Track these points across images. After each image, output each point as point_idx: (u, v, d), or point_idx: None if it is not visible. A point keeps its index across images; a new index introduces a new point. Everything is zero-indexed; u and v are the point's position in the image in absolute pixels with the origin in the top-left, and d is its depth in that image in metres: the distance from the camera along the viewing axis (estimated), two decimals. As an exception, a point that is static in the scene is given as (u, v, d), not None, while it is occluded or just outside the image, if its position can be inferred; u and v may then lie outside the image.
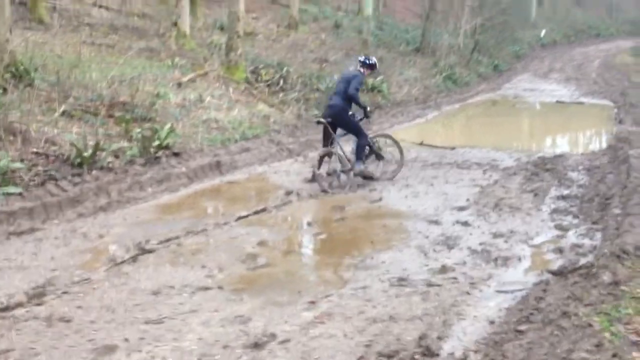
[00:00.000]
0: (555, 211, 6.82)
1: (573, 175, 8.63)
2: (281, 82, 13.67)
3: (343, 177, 8.32)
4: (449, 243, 5.78)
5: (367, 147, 8.55)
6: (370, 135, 8.84)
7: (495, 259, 5.33)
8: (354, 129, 8.45)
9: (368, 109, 8.65)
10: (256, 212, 6.84)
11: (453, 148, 11.03)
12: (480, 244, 5.75)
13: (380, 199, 7.50)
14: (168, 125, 8.90)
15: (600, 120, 15.75)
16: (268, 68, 14.35)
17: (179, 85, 12.15)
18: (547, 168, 8.93)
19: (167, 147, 8.56)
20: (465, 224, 6.42)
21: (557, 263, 5.19)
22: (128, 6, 19.80)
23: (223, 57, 14.06)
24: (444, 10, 26.66)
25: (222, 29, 18.51)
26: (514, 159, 10.20)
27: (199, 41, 17.02)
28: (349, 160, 8.36)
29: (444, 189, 8.00)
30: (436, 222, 6.49)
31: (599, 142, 11.94)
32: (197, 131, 9.83)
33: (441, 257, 5.45)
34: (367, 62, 8.62)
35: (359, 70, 8.54)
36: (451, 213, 6.87)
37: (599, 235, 5.88)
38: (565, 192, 7.67)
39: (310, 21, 25.32)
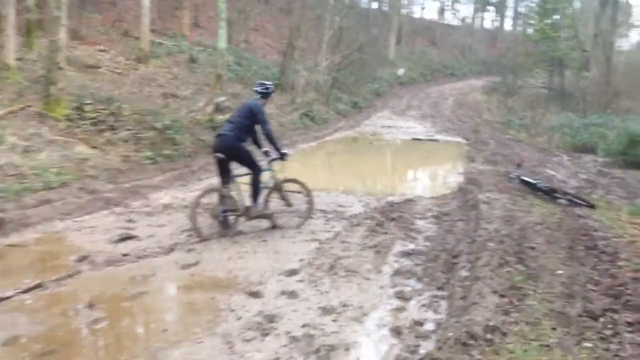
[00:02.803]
0: (397, 273, 5.83)
1: (420, 224, 7.81)
2: (110, 119, 12.00)
3: (231, 221, 7.32)
4: (265, 327, 4.55)
5: (277, 192, 7.72)
6: (281, 179, 7.76)
7: (317, 350, 4.16)
8: (249, 162, 7.27)
9: (283, 151, 7.54)
10: (25, 291, 5.24)
11: (299, 192, 9.96)
12: (304, 325, 4.57)
13: (197, 263, 6.16)
14: None
15: (453, 158, 15.54)
16: (97, 104, 12.64)
17: (-19, 124, 10.23)
18: (393, 217, 8.05)
19: None
20: (292, 294, 5.24)
21: (392, 353, 4.11)
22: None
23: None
24: (303, 47, 26.23)
25: (61, 60, 16.48)
26: (362, 203, 9.33)
27: (29, 74, 14.98)
28: (243, 205, 7.36)
29: (278, 246, 6.83)
30: (257, 294, 5.26)
31: (450, 184, 11.40)
32: (-17, 181, 8.02)
33: (250, 349, 4.20)
34: (267, 89, 7.47)
35: (259, 100, 7.37)
36: (278, 279, 5.68)
37: (444, 305, 4.93)
38: (411, 246, 6.76)
39: (163, 55, 23.78)
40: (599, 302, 4.78)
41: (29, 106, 11.79)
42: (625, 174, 12.54)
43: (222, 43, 21.05)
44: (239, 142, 7.15)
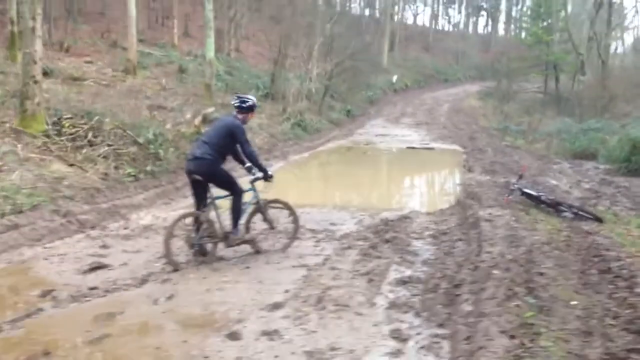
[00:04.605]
0: (393, 306, 5.24)
1: (417, 245, 7.23)
2: (89, 134, 11.41)
3: (209, 248, 6.71)
4: (241, 379, 3.96)
5: (260, 213, 7.10)
6: (263, 200, 7.13)
7: (300, 411, 3.58)
8: (229, 185, 6.68)
9: (269, 172, 6.94)
10: (-25, 336, 4.65)
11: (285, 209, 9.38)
12: (286, 377, 3.99)
13: (171, 297, 5.57)
14: None
15: (450, 167, 15.03)
16: (77, 118, 12.06)
17: (-49, 142, 9.64)
18: (387, 238, 7.47)
19: None
20: (274, 335, 4.65)
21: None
22: None
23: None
24: (294, 55, 25.74)
25: (46, 73, 15.91)
26: (355, 220, 8.78)
27: (10, 88, 14.39)
28: (222, 230, 6.77)
29: (261, 274, 6.24)
30: (235, 336, 4.66)
31: (448, 197, 10.85)
32: (-55, 206, 7.42)
33: (222, 410, 3.62)
34: (244, 105, 6.76)
35: (236, 117, 6.72)
36: (260, 315, 5.09)
37: (446, 347, 4.34)
38: (407, 272, 6.17)
39: (152, 65, 23.26)
40: (621, 341, 4.21)
41: (3, 122, 11.21)
42: (630, 182, 12.02)
43: (210, 52, 20.60)
44: (217, 166, 6.56)
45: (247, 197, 6.98)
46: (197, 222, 6.60)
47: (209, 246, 6.70)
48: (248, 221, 7.10)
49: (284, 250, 7.11)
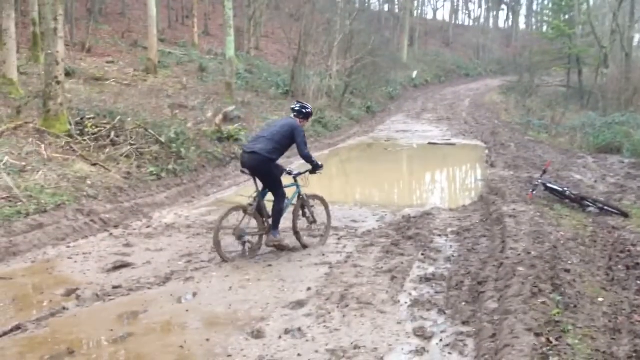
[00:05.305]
0: (416, 303, 5.19)
1: (440, 242, 7.17)
2: (112, 134, 11.50)
3: (252, 242, 6.87)
4: (264, 379, 3.95)
5: (301, 209, 7.25)
6: (304, 194, 7.26)
7: (325, 411, 3.55)
8: (274, 186, 6.79)
9: (319, 163, 7.12)
10: (1, 335, 4.69)
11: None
12: (309, 376, 3.96)
13: (195, 295, 5.58)
14: None
15: (472, 163, 14.89)
16: (99, 118, 12.16)
17: (-24, 143, 9.77)
18: (409, 235, 7.41)
19: None
20: (297, 334, 4.63)
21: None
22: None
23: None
24: (314, 52, 25.70)
25: (68, 74, 16.07)
26: (377, 217, 8.75)
27: (33, 89, 14.57)
28: (268, 224, 6.88)
29: (283, 272, 6.23)
30: (258, 334, 4.66)
31: (470, 193, 10.74)
32: (-29, 206, 7.51)
33: (245, 409, 3.60)
34: (304, 110, 7.00)
35: (296, 120, 6.91)
36: (283, 313, 5.07)
37: (470, 345, 4.29)
38: (430, 269, 6.12)
39: (173, 65, 23.41)
40: (650, 338, 4.13)
41: (27, 123, 11.34)
42: (656, 176, 11.80)
43: (230, 51, 20.63)
44: (271, 164, 6.66)
45: (290, 193, 7.06)
46: (246, 216, 6.69)
47: (255, 238, 6.84)
48: (295, 225, 7.12)
49: (323, 243, 7.27)
